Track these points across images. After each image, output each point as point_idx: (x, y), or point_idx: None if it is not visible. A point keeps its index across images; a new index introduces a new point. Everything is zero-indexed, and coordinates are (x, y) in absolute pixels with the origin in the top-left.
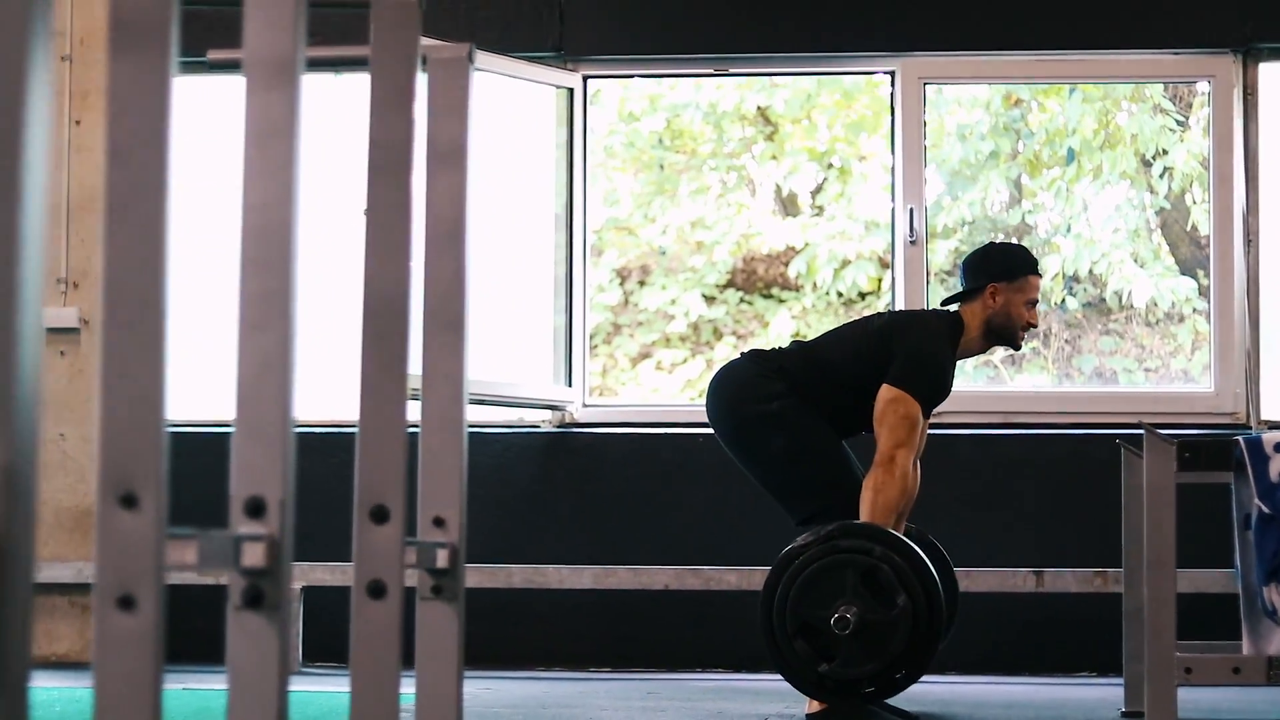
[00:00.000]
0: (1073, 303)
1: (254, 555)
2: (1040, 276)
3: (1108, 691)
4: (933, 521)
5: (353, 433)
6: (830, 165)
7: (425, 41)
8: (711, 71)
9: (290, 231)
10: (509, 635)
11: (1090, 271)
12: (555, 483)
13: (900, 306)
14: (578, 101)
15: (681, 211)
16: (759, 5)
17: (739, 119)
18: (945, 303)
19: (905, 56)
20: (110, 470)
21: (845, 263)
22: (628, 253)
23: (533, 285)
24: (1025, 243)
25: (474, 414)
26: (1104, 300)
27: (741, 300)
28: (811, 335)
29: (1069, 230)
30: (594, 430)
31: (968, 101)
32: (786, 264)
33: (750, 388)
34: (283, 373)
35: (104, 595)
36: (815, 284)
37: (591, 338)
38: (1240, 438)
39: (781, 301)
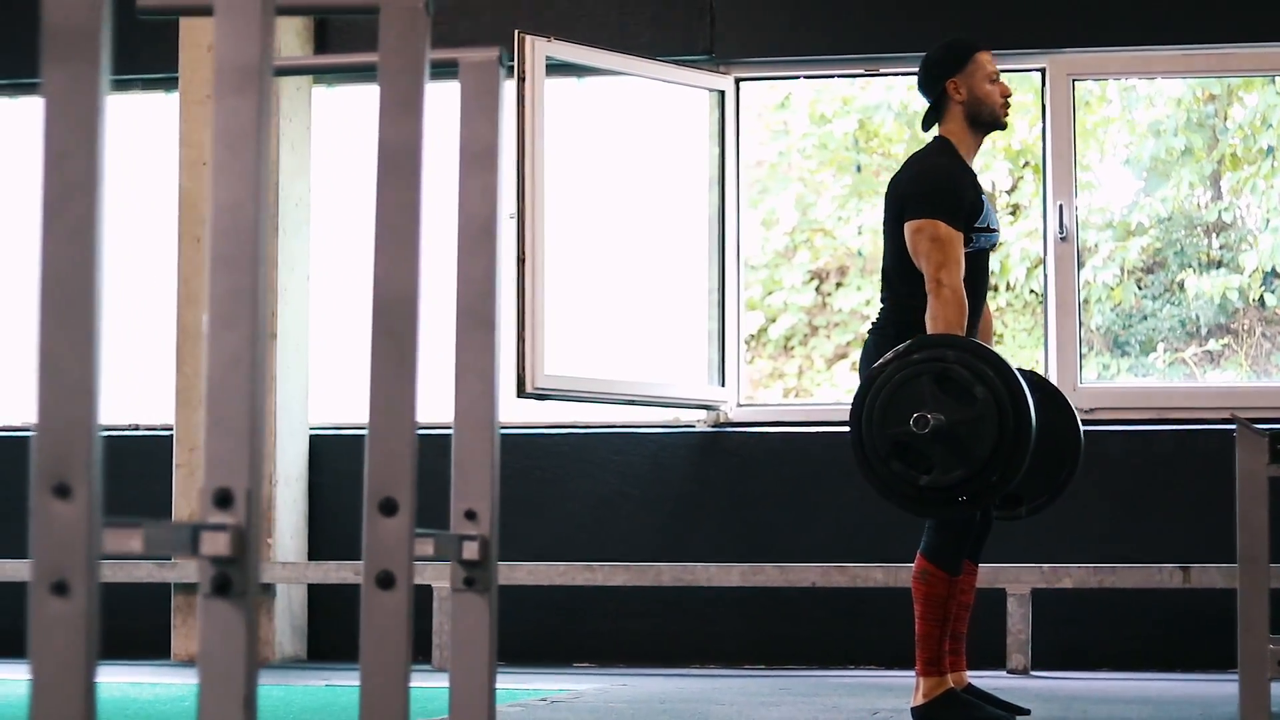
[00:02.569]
0: (1272, 299)
1: (216, 544)
2: (987, 51)
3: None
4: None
5: (512, 433)
6: (1025, 164)
7: (459, 50)
8: (862, 72)
9: (257, 232)
10: (665, 632)
11: None
12: (709, 482)
13: (1053, 304)
14: (729, 103)
15: (878, 212)
16: (908, 5)
17: None
18: (925, 127)
19: (1054, 53)
20: (44, 462)
21: (1039, 261)
22: (822, 255)
23: (689, 287)
24: (1222, 239)
25: (629, 414)
26: None
27: None
28: (1008, 335)
29: (1267, 225)
30: (748, 430)
31: (1160, 98)
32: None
33: (875, 358)
34: (250, 367)
35: (39, 582)
36: (1009, 283)
37: (788, 339)
38: None
39: None
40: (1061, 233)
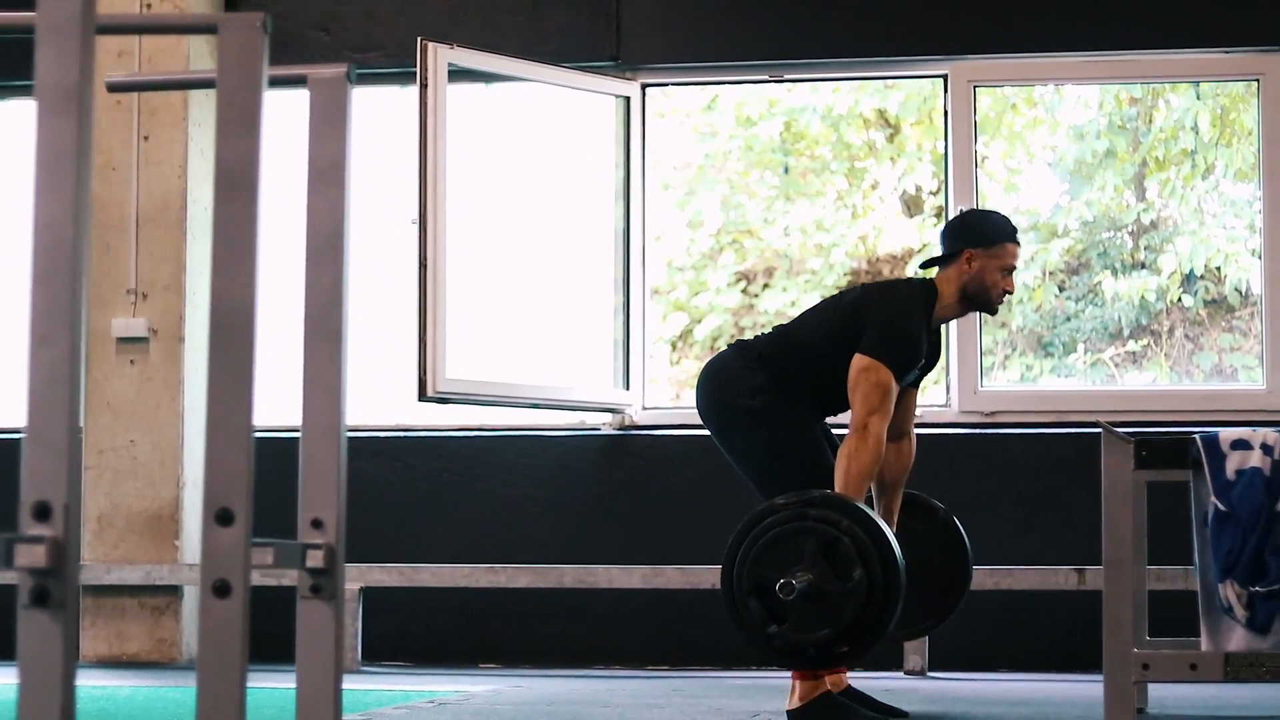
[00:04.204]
0: (1190, 300)
1: (32, 556)
2: (1018, 245)
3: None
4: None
5: (418, 436)
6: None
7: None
8: (768, 78)
9: (78, 250)
10: (569, 634)
11: (1208, 267)
12: (615, 484)
13: None
14: (635, 109)
15: (803, 214)
16: (812, 12)
17: (859, 122)
18: (924, 266)
19: (955, 60)
20: None
21: None
22: (749, 256)
23: (596, 292)
24: (1144, 241)
25: (536, 418)
26: (1225, 297)
27: None
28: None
29: (1185, 227)
30: (653, 433)
31: (1083, 102)
32: (907, 264)
33: (734, 382)
34: (69, 384)
35: None
36: None
37: (714, 340)
38: (1197, 436)
39: None
40: None
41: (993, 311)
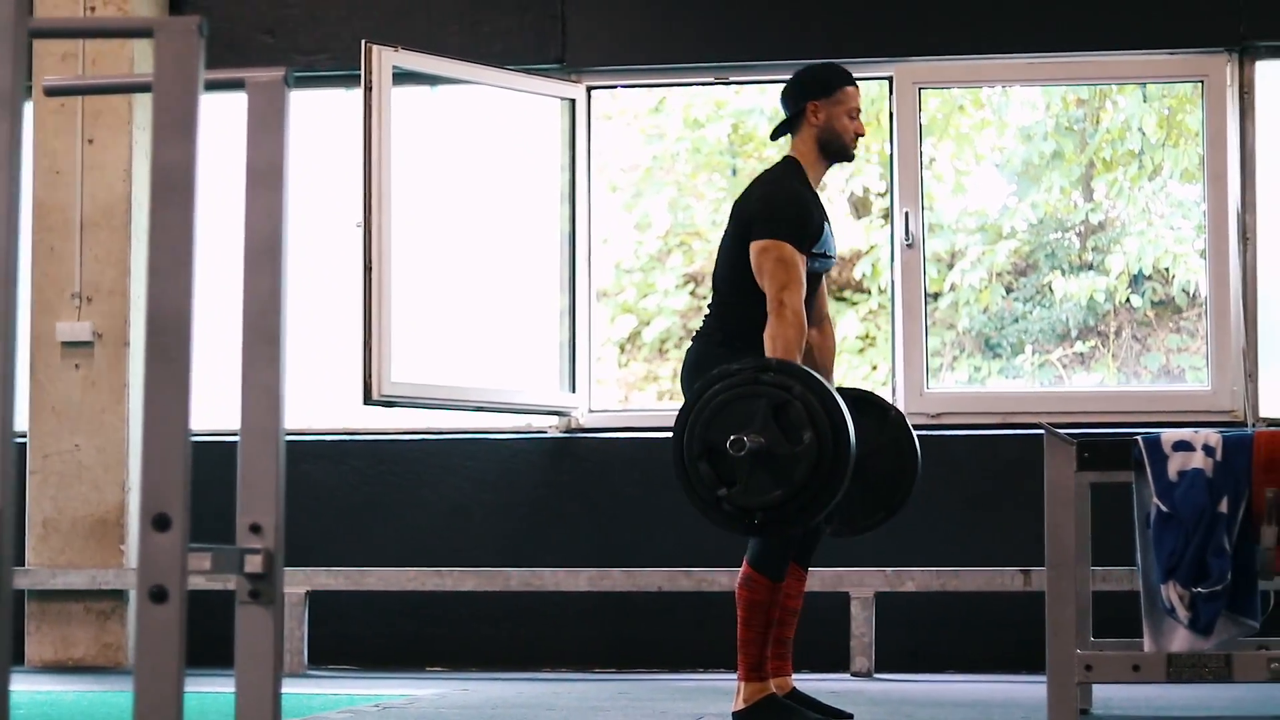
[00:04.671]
0: (1139, 300)
1: None
2: (856, 87)
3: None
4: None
5: (364, 440)
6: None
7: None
8: (712, 80)
9: (9, 255)
10: (515, 637)
11: (1155, 268)
12: (561, 487)
13: (900, 310)
14: (580, 111)
15: None
16: (756, 14)
17: None
18: (774, 135)
19: (900, 62)
20: None
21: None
22: (697, 258)
23: (542, 294)
24: (1092, 241)
25: (482, 421)
26: (1173, 298)
27: None
28: (880, 338)
29: (1136, 228)
30: (599, 435)
31: (1029, 103)
32: (854, 266)
33: (702, 367)
34: (2, 391)
35: None
36: (881, 286)
37: (663, 342)
38: (1139, 437)
39: (853, 304)
40: (908, 239)
41: (850, 158)
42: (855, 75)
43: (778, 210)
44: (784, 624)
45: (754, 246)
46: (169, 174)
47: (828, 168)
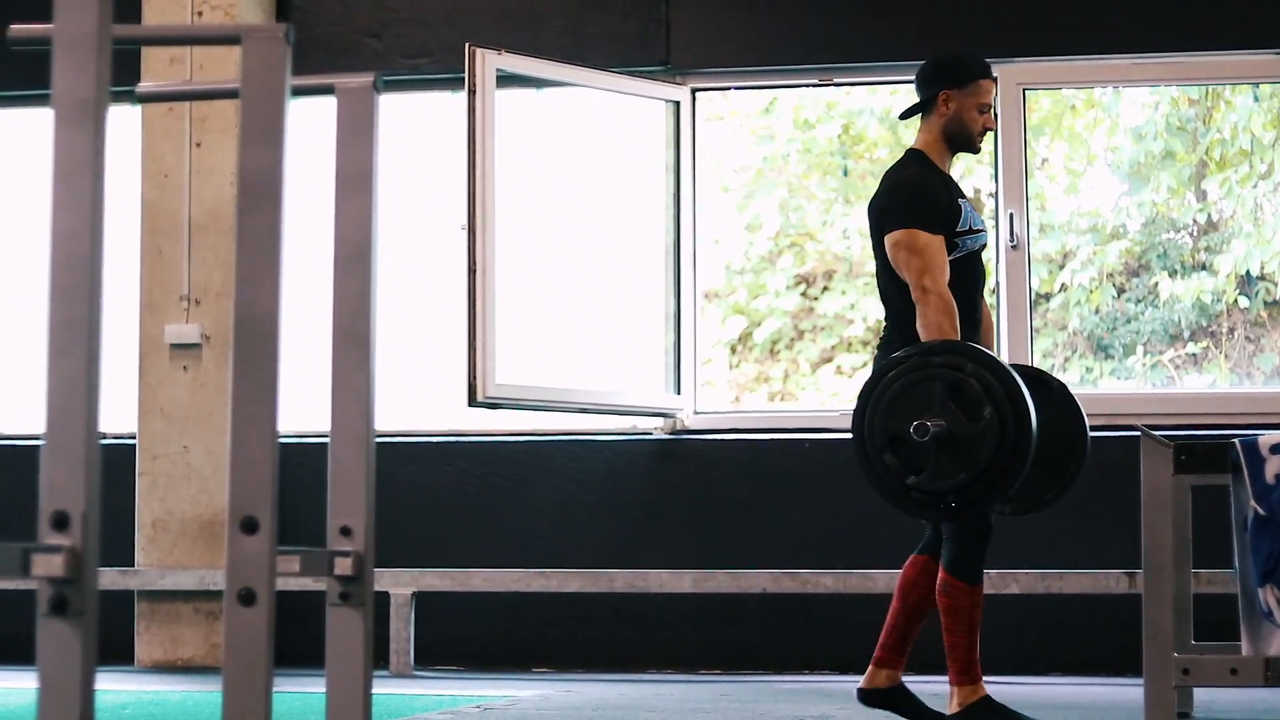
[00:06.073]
0: (1248, 301)
1: (49, 566)
2: (993, 81)
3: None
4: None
5: (470, 441)
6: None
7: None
8: (816, 82)
9: (94, 261)
10: (620, 638)
11: (1264, 270)
12: (666, 489)
13: (1005, 312)
14: (685, 114)
15: (862, 217)
16: (861, 15)
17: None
18: (904, 116)
19: (1005, 63)
20: None
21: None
22: (808, 259)
23: (648, 296)
24: (1204, 242)
25: (587, 422)
26: None
27: None
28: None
29: (1242, 229)
30: (704, 437)
31: (1140, 103)
32: None
33: None
34: (87, 394)
35: None
36: (992, 287)
37: (774, 343)
38: (1237, 440)
39: None
40: (1012, 241)
41: (975, 150)
42: None
43: (903, 198)
44: (912, 622)
45: (888, 240)
46: (256, 179)
47: (953, 156)
